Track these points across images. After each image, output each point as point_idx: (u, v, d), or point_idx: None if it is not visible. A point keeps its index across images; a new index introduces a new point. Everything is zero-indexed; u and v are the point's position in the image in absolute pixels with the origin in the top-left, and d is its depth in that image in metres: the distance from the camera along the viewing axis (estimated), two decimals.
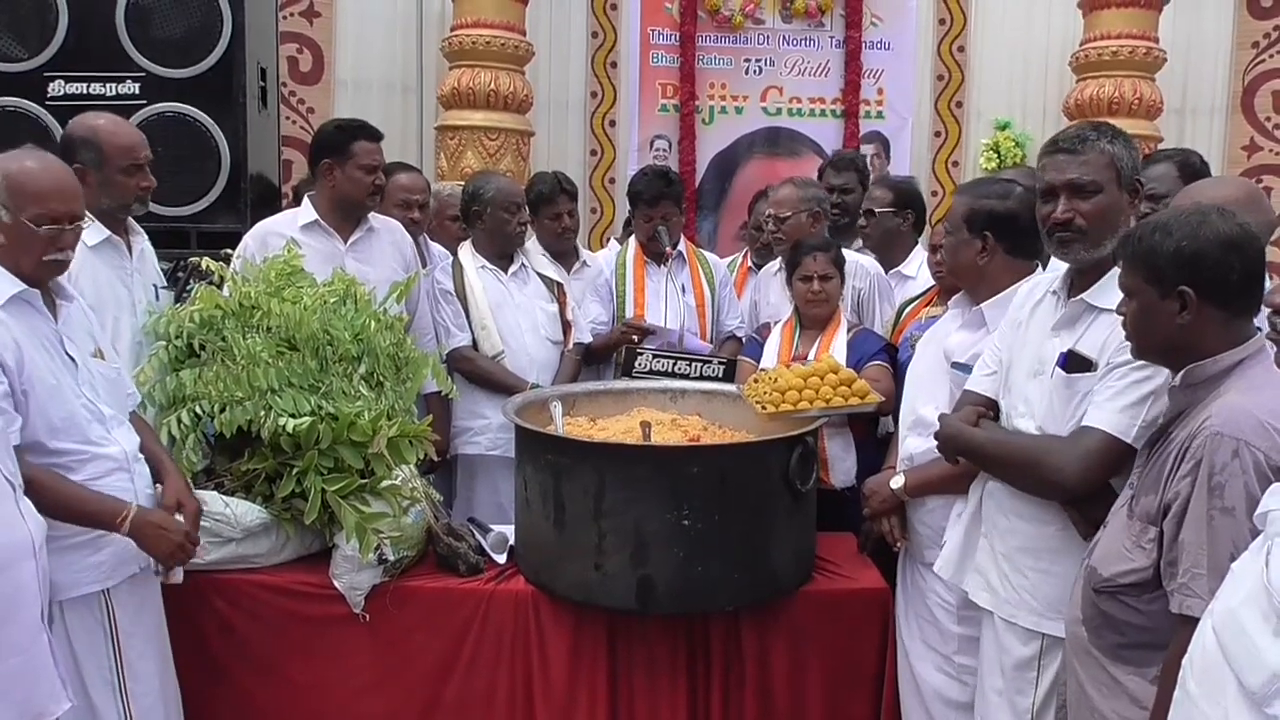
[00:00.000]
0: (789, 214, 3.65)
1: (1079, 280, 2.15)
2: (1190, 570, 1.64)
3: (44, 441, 2.16)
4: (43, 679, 1.92)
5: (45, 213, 2.18)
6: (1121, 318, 1.88)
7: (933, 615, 2.53)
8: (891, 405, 2.90)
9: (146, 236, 2.97)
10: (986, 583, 2.26)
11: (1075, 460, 2.02)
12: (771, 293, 3.74)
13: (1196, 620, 1.52)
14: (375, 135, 3.34)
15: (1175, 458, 1.72)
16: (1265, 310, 1.89)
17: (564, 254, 3.91)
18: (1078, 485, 2.04)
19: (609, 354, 3.79)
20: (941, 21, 7.12)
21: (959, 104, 7.17)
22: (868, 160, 4.76)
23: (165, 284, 3.02)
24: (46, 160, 2.26)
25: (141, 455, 2.37)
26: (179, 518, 2.30)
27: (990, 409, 2.30)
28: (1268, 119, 6.94)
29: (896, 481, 2.60)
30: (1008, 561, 2.20)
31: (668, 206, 3.83)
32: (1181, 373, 1.80)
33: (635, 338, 3.66)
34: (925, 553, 2.56)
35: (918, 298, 3.42)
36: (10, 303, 2.16)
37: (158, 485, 2.40)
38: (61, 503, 2.15)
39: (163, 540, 2.26)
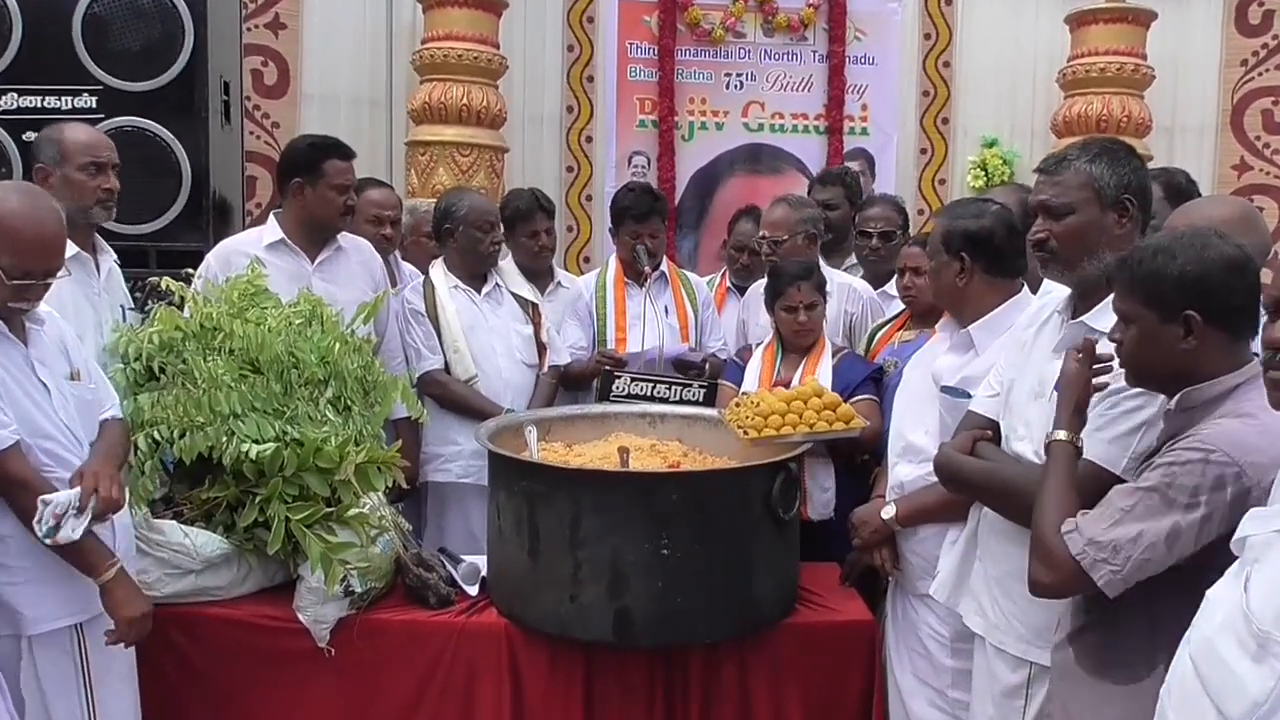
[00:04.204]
0: (785, 236, 3.66)
1: (1080, 302, 2.19)
2: (1096, 517, 1.76)
3: None
4: None
5: (19, 265, 2.16)
6: (1114, 344, 1.90)
7: (925, 648, 2.55)
8: (877, 442, 2.92)
9: (115, 256, 2.98)
10: (979, 606, 2.28)
11: None
12: (761, 313, 3.73)
13: (1069, 549, 1.74)
14: (348, 154, 3.35)
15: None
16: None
17: (539, 274, 3.92)
18: None
19: (587, 381, 3.80)
20: (927, 36, 7.21)
21: (945, 120, 7.24)
22: (858, 178, 4.79)
23: (132, 305, 3.02)
24: (36, 203, 2.22)
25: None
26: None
27: (991, 431, 2.31)
28: (1258, 138, 7.05)
29: (888, 511, 2.62)
30: (998, 586, 2.22)
31: (655, 224, 3.85)
32: (1178, 396, 1.83)
33: (608, 366, 3.66)
34: (917, 583, 2.58)
35: (889, 321, 3.46)
36: None
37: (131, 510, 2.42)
38: None
39: (128, 607, 2.24)
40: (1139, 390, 1.97)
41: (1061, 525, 1.80)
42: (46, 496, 2.12)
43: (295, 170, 3.30)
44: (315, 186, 3.27)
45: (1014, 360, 2.31)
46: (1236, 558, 1.46)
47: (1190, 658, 1.42)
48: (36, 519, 2.11)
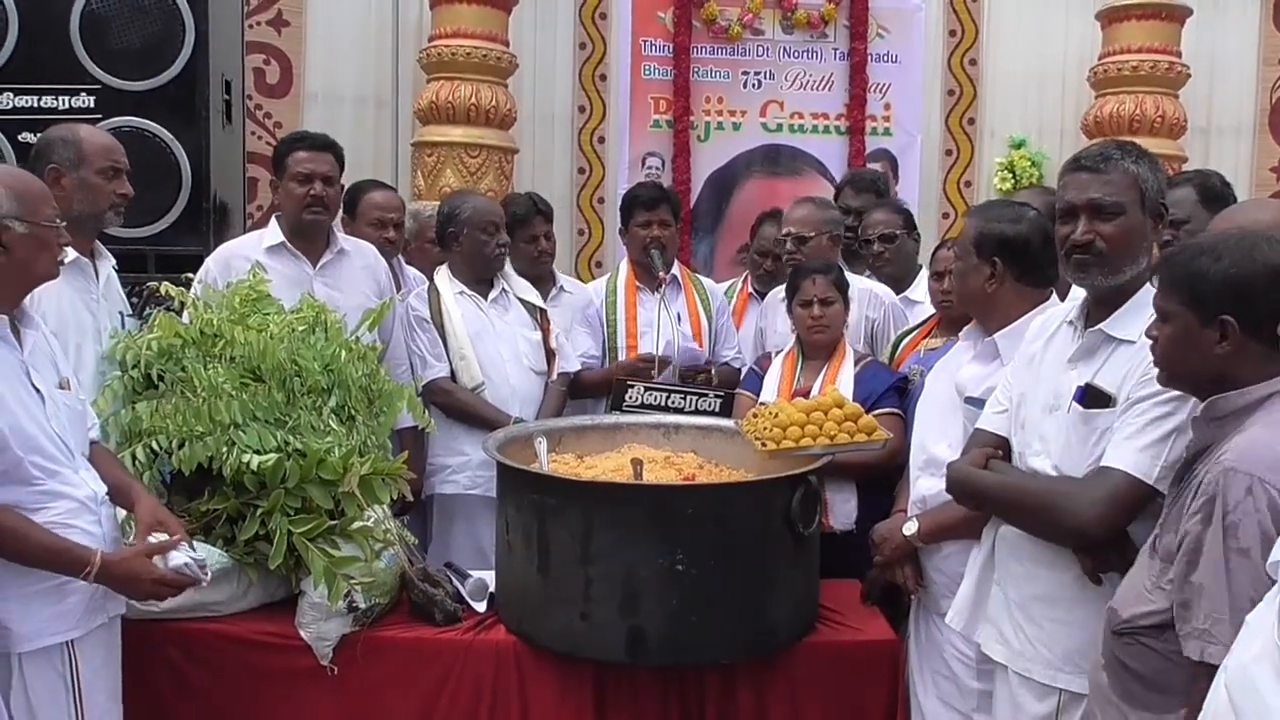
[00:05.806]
0: (811, 234, 3.71)
1: (1096, 310, 2.18)
2: (1211, 615, 1.64)
3: (8, 478, 2.16)
4: None
5: (53, 209, 2.28)
6: (1150, 340, 1.90)
7: (950, 670, 2.54)
8: (897, 459, 2.92)
9: (114, 261, 3.00)
10: (999, 634, 2.27)
11: (1094, 504, 2.03)
12: (779, 320, 3.73)
13: (1217, 668, 1.53)
14: (316, 144, 3.37)
15: (1192, 494, 1.74)
16: None
17: (540, 279, 3.93)
18: (1096, 530, 2.05)
19: (601, 390, 3.79)
20: (952, 33, 7.21)
21: (971, 121, 7.24)
22: (889, 183, 4.83)
23: (131, 312, 3.04)
24: (12, 167, 2.36)
25: (107, 497, 2.37)
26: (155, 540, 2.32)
27: (1002, 449, 2.31)
28: None
29: (909, 527, 2.61)
30: (1021, 610, 2.21)
31: (665, 212, 3.86)
32: (1204, 404, 1.83)
33: (651, 371, 3.64)
34: (941, 602, 2.57)
35: (915, 328, 3.46)
36: None
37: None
38: (28, 550, 2.15)
39: (135, 586, 2.28)
40: (1167, 396, 1.97)
41: (1189, 652, 1.69)
42: (196, 562, 2.33)
43: (274, 170, 3.38)
44: (282, 182, 3.32)
45: (1021, 374, 2.31)
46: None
47: (1225, 685, 1.41)
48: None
